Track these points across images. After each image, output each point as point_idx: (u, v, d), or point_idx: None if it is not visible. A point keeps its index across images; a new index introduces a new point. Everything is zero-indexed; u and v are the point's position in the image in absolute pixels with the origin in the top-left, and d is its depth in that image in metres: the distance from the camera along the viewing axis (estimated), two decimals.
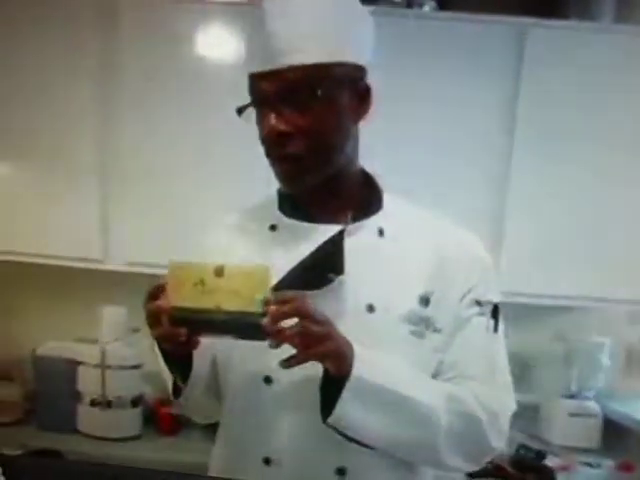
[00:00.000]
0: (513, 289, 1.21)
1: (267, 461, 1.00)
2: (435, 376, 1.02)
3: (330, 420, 0.91)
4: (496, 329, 1.04)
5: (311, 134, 0.96)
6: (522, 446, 2.08)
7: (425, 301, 1.00)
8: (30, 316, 2.41)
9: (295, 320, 0.86)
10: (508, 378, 1.05)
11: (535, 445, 2.12)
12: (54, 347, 2.14)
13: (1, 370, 2.30)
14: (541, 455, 2.06)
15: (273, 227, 1.07)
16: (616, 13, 2.23)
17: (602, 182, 2.07)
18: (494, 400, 1.00)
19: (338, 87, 0.97)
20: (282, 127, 0.96)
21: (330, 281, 0.97)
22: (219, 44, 2.10)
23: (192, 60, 2.10)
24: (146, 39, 2.07)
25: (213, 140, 2.09)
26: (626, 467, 2.07)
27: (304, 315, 0.86)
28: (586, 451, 2.15)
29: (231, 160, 2.08)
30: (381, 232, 1.03)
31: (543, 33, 2.05)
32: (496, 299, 1.05)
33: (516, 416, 1.05)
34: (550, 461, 2.04)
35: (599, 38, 2.04)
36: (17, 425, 2.14)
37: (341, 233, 0.99)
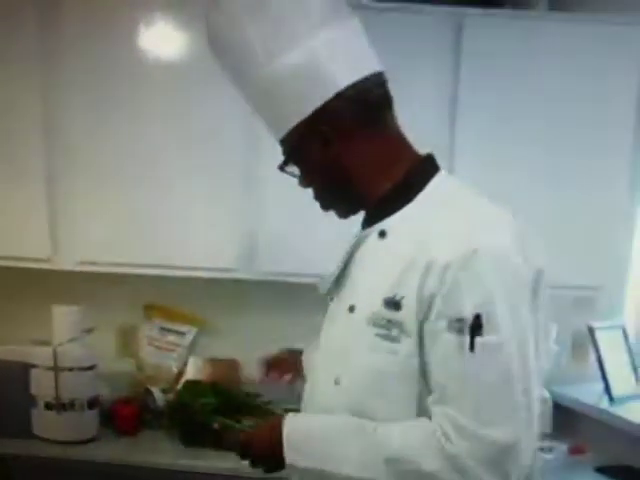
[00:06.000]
0: None
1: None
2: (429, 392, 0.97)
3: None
4: (472, 347, 0.90)
5: (311, 187, 1.11)
6: None
7: (394, 305, 0.98)
8: None
9: None
10: (501, 405, 0.91)
11: None
12: (5, 350, 2.11)
13: None
14: None
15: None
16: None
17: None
18: (460, 439, 0.90)
19: (300, 149, 1.07)
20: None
21: (331, 288, 1.13)
22: (166, 42, 2.09)
23: (140, 59, 2.08)
24: (89, 36, 2.06)
25: (161, 141, 2.09)
26: (578, 450, 2.10)
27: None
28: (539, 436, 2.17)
29: (179, 161, 2.08)
30: (382, 234, 1.06)
31: (479, 21, 2.07)
32: (475, 311, 0.90)
33: None
34: None
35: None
36: None
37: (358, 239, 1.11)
